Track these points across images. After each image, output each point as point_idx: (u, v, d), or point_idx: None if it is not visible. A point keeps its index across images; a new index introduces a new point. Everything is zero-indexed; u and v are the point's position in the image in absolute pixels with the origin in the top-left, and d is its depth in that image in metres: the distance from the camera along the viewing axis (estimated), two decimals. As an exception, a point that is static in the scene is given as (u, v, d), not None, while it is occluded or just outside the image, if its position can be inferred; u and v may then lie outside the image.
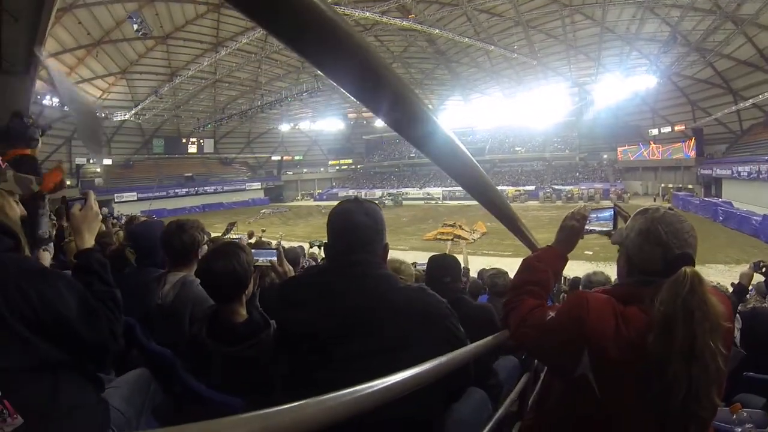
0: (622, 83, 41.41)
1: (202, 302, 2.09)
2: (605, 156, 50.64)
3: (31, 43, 3.62)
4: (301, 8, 0.56)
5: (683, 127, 41.12)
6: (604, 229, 1.76)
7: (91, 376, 1.51)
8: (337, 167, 68.04)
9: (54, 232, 3.28)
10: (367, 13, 33.20)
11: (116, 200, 41.43)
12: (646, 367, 1.18)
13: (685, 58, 34.91)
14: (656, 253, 1.33)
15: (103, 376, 1.66)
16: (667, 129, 42.99)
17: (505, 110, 53.23)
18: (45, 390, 1.27)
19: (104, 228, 5.01)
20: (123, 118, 45.01)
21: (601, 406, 1.25)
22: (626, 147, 47.02)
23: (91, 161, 45.51)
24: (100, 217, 1.82)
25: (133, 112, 44.45)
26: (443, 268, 3.05)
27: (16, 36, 3.42)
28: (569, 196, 41.57)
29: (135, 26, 30.96)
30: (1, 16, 3.18)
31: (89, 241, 1.67)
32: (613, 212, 1.77)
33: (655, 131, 44.50)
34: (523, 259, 1.78)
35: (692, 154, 39.47)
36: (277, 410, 0.59)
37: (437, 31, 37.50)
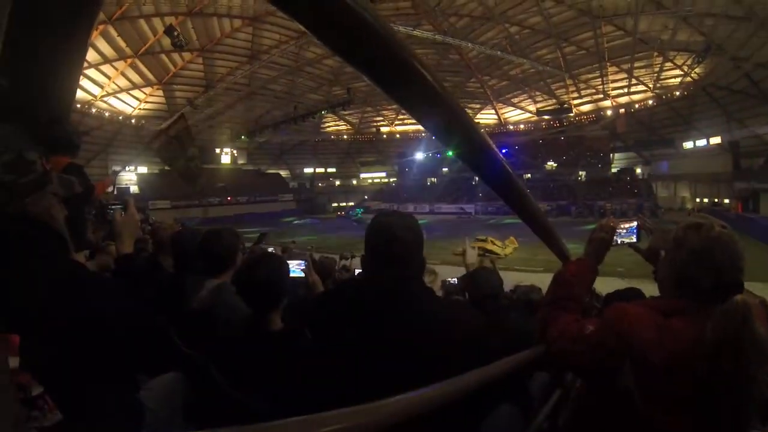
0: (655, 95, 40.67)
1: (238, 309, 2.11)
2: (639, 170, 49.75)
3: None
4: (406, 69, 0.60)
5: (719, 140, 39.77)
6: (630, 240, 1.95)
7: (127, 376, 1.55)
8: (370, 180, 68.35)
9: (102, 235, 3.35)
10: (400, 28, 33.51)
11: (150, 207, 42.24)
12: (691, 381, 1.17)
13: (720, 68, 33.94)
14: (708, 276, 1.30)
15: (137, 378, 1.70)
16: (702, 142, 41.74)
17: (537, 124, 52.81)
18: (83, 388, 1.30)
19: (140, 233, 5.11)
20: (159, 128, 46.15)
21: (643, 419, 1.23)
22: (660, 161, 46.03)
23: (127, 168, 46.78)
24: (140, 223, 1.89)
25: (168, 122, 45.41)
26: (484, 283, 3.00)
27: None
28: (602, 211, 40.78)
29: (172, 39, 31.85)
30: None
31: (129, 246, 1.73)
32: (636, 226, 1.96)
33: (689, 144, 43.27)
34: (555, 274, 1.77)
35: (728, 167, 37.94)
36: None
37: (469, 45, 37.52)
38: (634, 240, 1.93)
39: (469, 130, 0.95)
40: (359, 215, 45.54)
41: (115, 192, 39.84)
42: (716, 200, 39.20)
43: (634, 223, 1.96)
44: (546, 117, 51.42)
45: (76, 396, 1.27)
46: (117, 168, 45.34)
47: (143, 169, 49.07)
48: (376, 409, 0.76)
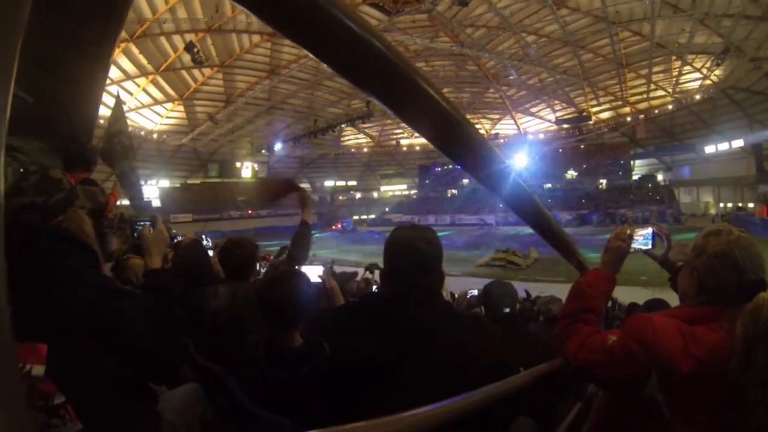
0: (675, 100, 40.11)
1: (255, 314, 2.11)
2: (660, 176, 49.07)
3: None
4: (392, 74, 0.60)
5: (741, 143, 38.96)
6: (645, 248, 1.92)
7: (146, 388, 1.57)
8: (391, 193, 68.39)
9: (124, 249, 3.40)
10: (417, 40, 33.63)
11: (172, 221, 42.66)
12: (719, 387, 1.17)
13: (740, 70, 33.29)
14: (731, 278, 1.31)
15: (156, 389, 1.72)
16: (724, 145, 40.86)
17: (556, 133, 52.50)
18: (104, 399, 1.32)
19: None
20: (180, 142, 46.95)
21: (670, 429, 1.22)
22: (682, 166, 45.43)
23: (149, 183, 47.53)
24: (168, 238, 1.93)
25: (189, 137, 46.26)
26: (502, 295, 2.98)
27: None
28: (624, 219, 40.18)
29: (192, 56, 32.44)
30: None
31: (157, 262, 1.77)
32: (651, 233, 1.93)
33: (711, 148, 42.44)
34: (573, 285, 1.76)
35: (752, 170, 37.09)
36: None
37: (486, 55, 37.49)
38: (650, 247, 1.91)
39: (480, 147, 0.95)
40: (350, 225, 50.41)
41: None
42: (740, 204, 38.50)
43: (650, 230, 1.94)
44: (565, 126, 51.02)
45: (96, 406, 1.29)
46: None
47: (165, 183, 49.83)
48: (393, 422, 0.76)
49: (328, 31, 0.54)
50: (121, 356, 1.36)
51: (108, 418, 1.32)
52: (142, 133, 42.69)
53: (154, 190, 48.37)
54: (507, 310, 2.88)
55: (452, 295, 7.47)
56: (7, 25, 0.28)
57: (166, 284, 1.71)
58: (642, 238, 1.91)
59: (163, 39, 33.15)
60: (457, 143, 0.89)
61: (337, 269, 9.93)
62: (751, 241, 1.36)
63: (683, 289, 1.50)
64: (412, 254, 1.49)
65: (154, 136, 44.41)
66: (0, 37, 0.26)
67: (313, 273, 2.98)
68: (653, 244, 1.91)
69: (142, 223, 1.93)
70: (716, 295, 1.34)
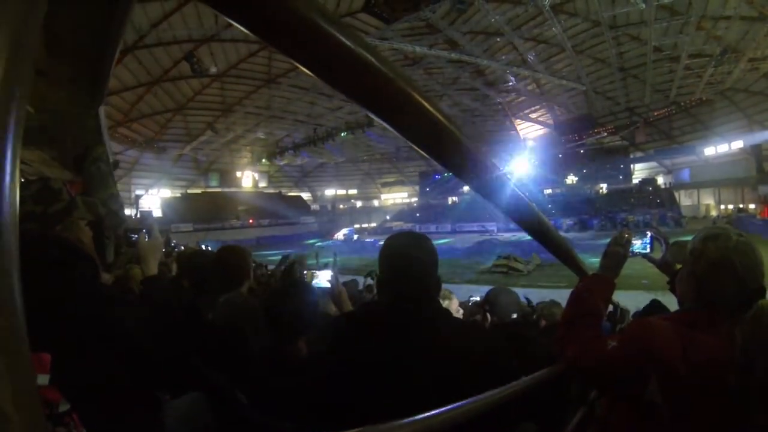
0: (674, 103, 40.11)
1: (254, 319, 2.12)
2: (660, 180, 49.02)
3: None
4: (375, 76, 0.59)
5: (740, 144, 38.92)
6: (644, 251, 1.99)
7: (150, 396, 1.58)
8: (392, 201, 68.44)
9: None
10: (417, 48, 33.69)
11: (172, 230, 42.63)
12: (719, 392, 1.17)
13: (737, 71, 33.13)
14: (730, 286, 1.30)
15: (159, 397, 1.73)
16: (724, 147, 40.73)
17: (556, 139, 52.43)
18: (108, 407, 1.33)
19: (162, 258, 5.17)
20: (181, 152, 47.03)
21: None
22: (682, 169, 45.39)
23: (150, 192, 47.62)
24: (163, 246, 1.95)
25: (190, 147, 46.34)
26: (507, 302, 2.99)
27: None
28: (625, 223, 40.04)
29: (191, 66, 32.57)
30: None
31: (154, 269, 1.78)
32: (650, 237, 1.98)
33: (711, 150, 42.28)
34: (572, 290, 1.76)
35: (752, 171, 37.27)
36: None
37: (485, 62, 37.52)
38: (648, 251, 1.94)
39: (474, 156, 0.95)
40: (353, 234, 49.61)
41: (138, 215, 40.52)
42: (741, 206, 38.47)
43: (648, 234, 1.98)
44: (565, 131, 50.95)
45: (101, 413, 1.30)
46: (140, 192, 46.18)
47: (166, 193, 49.89)
48: (391, 429, 0.76)
49: (316, 44, 0.54)
50: (122, 363, 1.37)
51: (113, 425, 1.33)
52: (143, 143, 42.80)
53: (155, 199, 48.48)
54: (514, 316, 2.90)
55: (459, 303, 7.43)
56: (22, 34, 0.30)
57: (164, 291, 1.72)
58: (640, 242, 1.94)
59: (161, 49, 33.24)
60: (450, 153, 0.89)
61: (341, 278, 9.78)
62: (751, 246, 1.34)
63: (681, 293, 1.50)
64: (407, 261, 1.50)
65: (155, 145, 44.47)
66: (17, 46, 0.30)
67: (323, 277, 2.99)
68: (652, 248, 1.94)
69: (137, 232, 1.95)
70: (716, 302, 1.33)
